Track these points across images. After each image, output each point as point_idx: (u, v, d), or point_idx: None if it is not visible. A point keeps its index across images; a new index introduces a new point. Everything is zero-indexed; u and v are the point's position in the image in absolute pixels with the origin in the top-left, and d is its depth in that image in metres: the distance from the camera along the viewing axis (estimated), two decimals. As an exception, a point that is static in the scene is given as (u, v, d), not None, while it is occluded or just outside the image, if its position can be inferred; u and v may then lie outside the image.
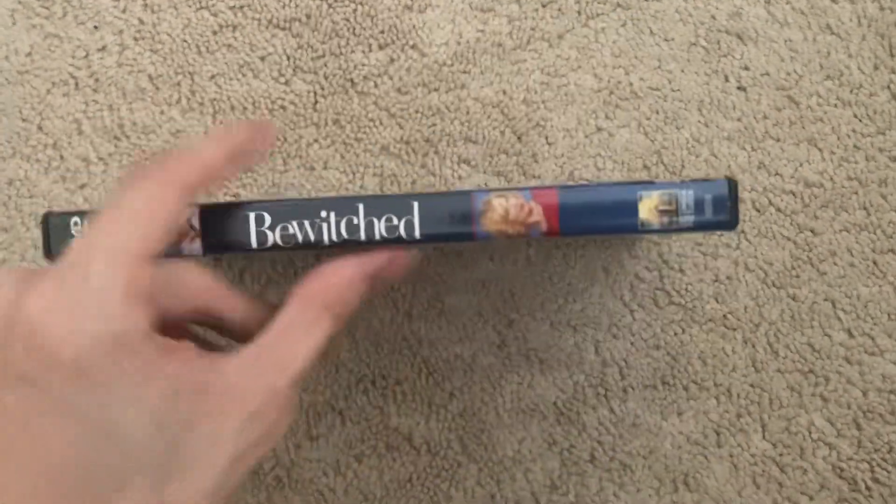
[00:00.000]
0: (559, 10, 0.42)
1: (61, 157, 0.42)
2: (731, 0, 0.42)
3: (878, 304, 0.39)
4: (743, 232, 0.39)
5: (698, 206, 0.25)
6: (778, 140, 0.40)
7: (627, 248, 0.40)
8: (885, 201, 0.39)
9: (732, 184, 0.25)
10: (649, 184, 0.25)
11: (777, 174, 0.40)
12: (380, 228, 0.25)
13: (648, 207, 0.25)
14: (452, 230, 0.25)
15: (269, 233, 0.25)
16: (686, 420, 0.38)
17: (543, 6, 0.42)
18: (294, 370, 0.23)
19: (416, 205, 0.25)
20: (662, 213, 0.25)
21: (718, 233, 0.24)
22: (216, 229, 0.26)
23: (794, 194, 0.40)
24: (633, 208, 0.25)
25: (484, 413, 0.38)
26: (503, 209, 0.25)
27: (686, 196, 0.25)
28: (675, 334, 0.39)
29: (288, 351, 0.23)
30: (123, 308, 0.21)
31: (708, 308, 0.39)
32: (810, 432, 0.37)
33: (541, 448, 0.38)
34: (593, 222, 0.25)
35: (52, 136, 0.42)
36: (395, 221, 0.25)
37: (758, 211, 0.40)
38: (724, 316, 0.39)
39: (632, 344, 0.39)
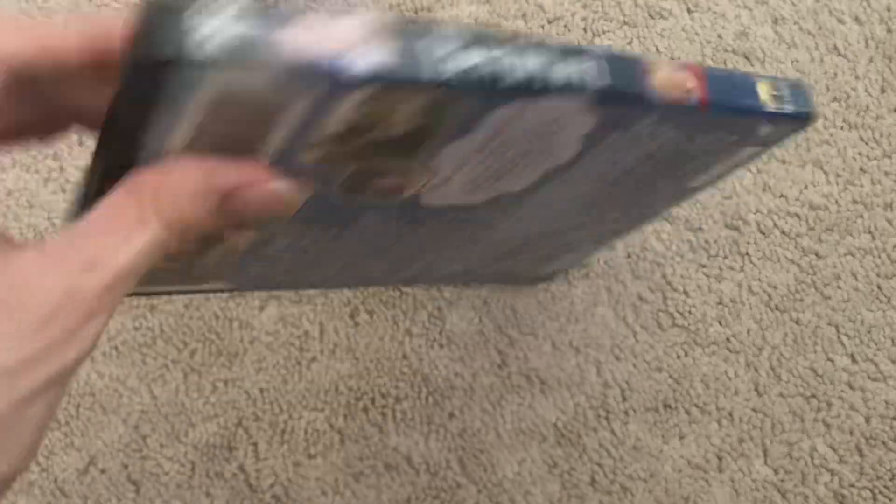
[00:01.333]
0: (565, 26, 0.42)
1: (61, 168, 0.42)
2: (739, 19, 0.42)
3: (881, 329, 0.38)
4: (747, 255, 0.39)
5: (794, 96, 0.28)
6: (783, 162, 0.40)
7: (631, 268, 0.39)
8: (890, 225, 0.39)
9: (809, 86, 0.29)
10: (755, 74, 0.28)
11: (782, 196, 0.40)
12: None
13: (764, 90, 0.27)
14: (625, 87, 0.24)
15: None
16: (687, 444, 0.38)
17: (549, 23, 0.42)
18: (107, 272, 0.18)
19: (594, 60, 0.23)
20: (774, 97, 0.27)
21: (800, 131, 0.28)
22: None
23: (798, 217, 0.40)
24: (754, 91, 0.27)
25: (484, 433, 0.38)
26: (667, 69, 0.25)
27: (785, 86, 0.28)
28: (678, 357, 0.38)
29: (101, 249, 0.18)
30: None
31: (711, 331, 0.39)
32: (812, 458, 0.37)
33: (541, 470, 0.38)
34: (730, 99, 0.26)
35: (51, 146, 0.42)
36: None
37: (762, 233, 0.39)
38: (728, 339, 0.38)
39: (634, 366, 0.38)
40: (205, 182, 0.20)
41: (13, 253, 0.18)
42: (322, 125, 0.20)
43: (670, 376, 0.38)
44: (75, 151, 0.42)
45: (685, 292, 0.39)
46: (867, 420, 0.37)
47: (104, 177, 0.20)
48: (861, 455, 0.37)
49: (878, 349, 0.38)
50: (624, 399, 0.38)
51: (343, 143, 0.22)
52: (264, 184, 0.20)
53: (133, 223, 0.19)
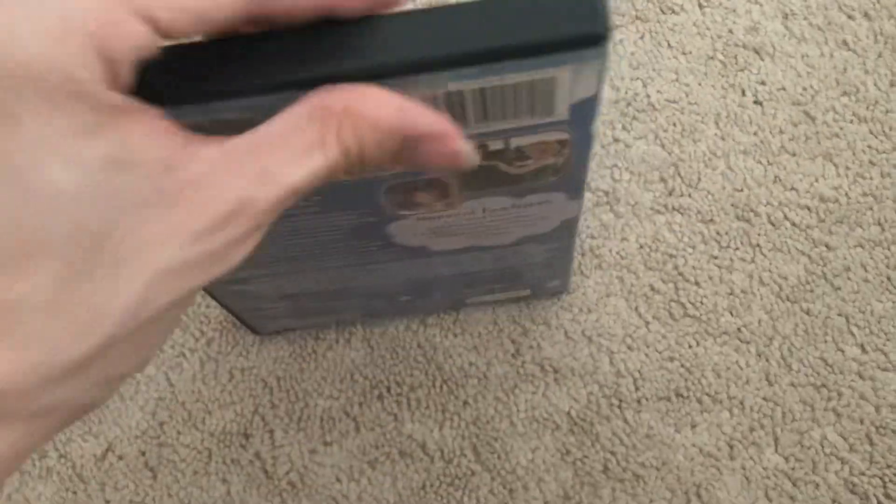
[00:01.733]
0: (578, 21, 0.42)
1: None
2: (749, 15, 0.42)
3: (891, 319, 0.39)
4: (758, 246, 0.40)
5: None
6: (794, 155, 0.41)
7: (644, 259, 0.40)
8: (899, 218, 0.40)
9: None
10: None
11: (793, 189, 0.40)
12: None
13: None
14: None
15: None
16: (699, 432, 0.38)
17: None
18: (279, 187, 0.17)
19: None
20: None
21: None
22: None
23: (809, 209, 0.40)
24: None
25: (498, 422, 0.39)
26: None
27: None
28: (690, 347, 0.39)
29: (278, 163, 0.17)
30: (72, 40, 0.15)
31: (722, 321, 0.39)
32: (823, 447, 0.38)
33: (554, 458, 0.38)
34: None
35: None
36: None
37: (773, 225, 0.40)
38: (739, 329, 0.39)
39: (646, 356, 0.39)
40: (397, 121, 0.18)
41: (195, 147, 0.17)
42: None
43: (682, 366, 0.39)
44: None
45: (697, 283, 0.39)
46: (877, 409, 0.38)
47: None
48: (871, 444, 0.37)
49: (888, 339, 0.38)
50: (636, 388, 0.39)
51: None
52: (451, 140, 0.19)
53: (313, 144, 0.18)
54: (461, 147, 0.19)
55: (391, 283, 0.35)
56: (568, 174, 0.26)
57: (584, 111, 0.23)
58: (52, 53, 0.15)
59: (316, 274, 0.33)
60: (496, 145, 0.24)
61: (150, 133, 0.16)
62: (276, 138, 0.17)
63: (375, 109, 0.18)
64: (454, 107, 0.21)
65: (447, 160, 0.19)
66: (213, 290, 0.33)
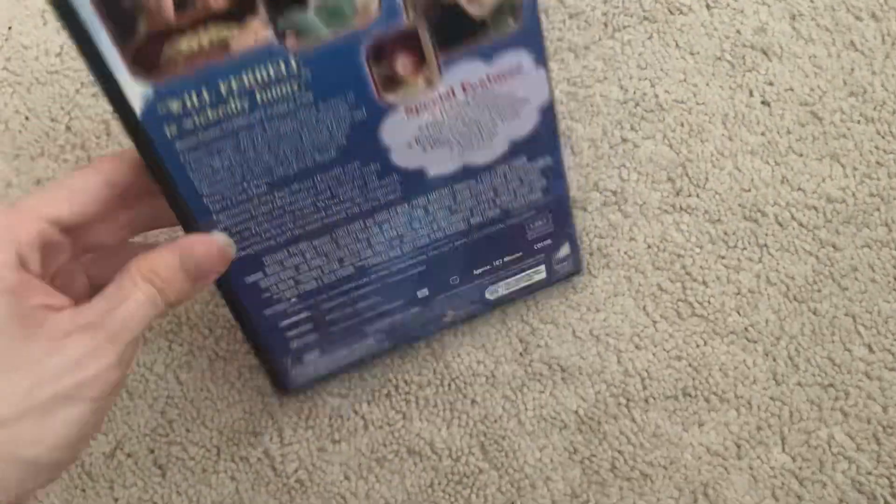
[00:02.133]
0: (586, 21, 0.43)
1: (89, 157, 0.42)
2: (757, 15, 0.42)
3: (898, 319, 0.39)
4: (765, 246, 0.40)
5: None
6: (801, 155, 0.41)
7: (651, 259, 0.40)
8: (906, 218, 0.40)
9: None
10: None
11: (800, 189, 0.40)
12: None
13: None
14: None
15: None
16: (707, 431, 0.38)
17: (570, 17, 0.43)
18: (111, 327, 0.26)
19: None
20: None
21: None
22: None
23: (816, 209, 0.40)
24: None
25: (505, 420, 0.39)
26: None
27: None
28: (697, 346, 0.39)
29: (107, 314, 0.26)
30: None
31: (730, 321, 0.39)
32: (830, 446, 0.38)
33: (562, 457, 0.38)
34: None
35: (80, 136, 0.42)
36: None
37: (780, 225, 0.40)
38: (746, 329, 0.39)
39: (654, 355, 0.39)
40: (176, 261, 0.27)
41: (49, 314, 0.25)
42: None
43: (689, 365, 0.39)
44: (103, 141, 0.42)
45: (704, 283, 0.40)
46: (884, 409, 0.38)
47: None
48: (878, 443, 0.38)
49: (895, 340, 0.39)
50: (644, 387, 0.39)
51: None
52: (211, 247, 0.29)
53: (126, 291, 0.26)
54: (215, 240, 0.29)
55: (405, 258, 0.35)
56: (526, 21, 0.30)
57: None
58: None
59: (327, 244, 0.33)
60: None
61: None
62: (107, 297, 0.26)
63: (161, 257, 0.27)
64: None
65: (216, 261, 0.29)
66: (237, 303, 0.33)
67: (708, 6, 0.43)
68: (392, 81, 0.30)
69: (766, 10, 0.42)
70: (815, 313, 0.39)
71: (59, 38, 0.44)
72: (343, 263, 0.34)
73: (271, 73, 0.28)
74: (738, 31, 0.42)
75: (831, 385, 0.38)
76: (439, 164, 0.33)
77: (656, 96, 0.41)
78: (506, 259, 0.37)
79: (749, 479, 0.38)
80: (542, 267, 0.38)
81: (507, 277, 0.38)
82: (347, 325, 0.36)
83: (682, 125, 0.41)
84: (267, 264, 0.32)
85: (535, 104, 0.33)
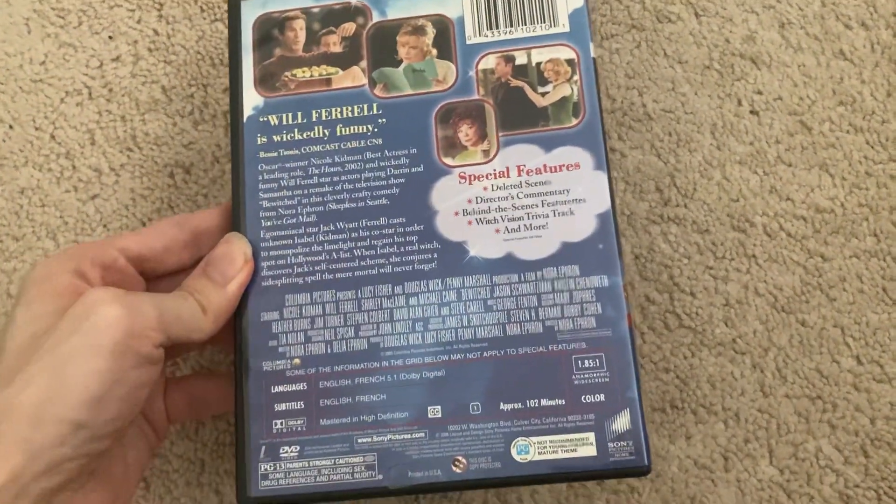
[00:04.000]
0: (574, 30, 0.42)
1: (73, 166, 0.42)
2: (746, 24, 0.42)
3: (886, 331, 0.39)
4: (753, 257, 0.40)
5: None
6: (790, 165, 0.41)
7: (639, 270, 0.40)
8: (895, 228, 0.40)
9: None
10: None
11: (788, 199, 0.40)
12: None
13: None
14: None
15: None
16: (694, 444, 0.38)
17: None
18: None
19: None
20: None
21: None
22: None
23: (805, 219, 0.40)
24: None
25: (492, 432, 0.38)
26: None
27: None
28: (685, 357, 0.39)
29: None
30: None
31: (718, 332, 0.39)
32: (818, 459, 0.37)
33: (548, 469, 0.38)
34: None
35: (64, 145, 0.42)
36: None
37: (769, 236, 0.40)
38: (734, 340, 0.39)
39: (641, 366, 0.39)
40: (199, 269, 0.32)
41: None
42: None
43: (677, 377, 0.39)
44: (87, 150, 0.42)
45: (692, 293, 0.39)
46: (872, 421, 0.38)
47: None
48: (866, 456, 0.37)
49: (884, 351, 0.38)
50: (631, 399, 0.38)
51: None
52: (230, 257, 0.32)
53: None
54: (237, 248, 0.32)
55: (424, 352, 0.31)
56: (586, 121, 0.32)
57: (580, 21, 0.34)
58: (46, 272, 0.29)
59: (350, 302, 0.32)
60: (521, 59, 0.34)
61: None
62: None
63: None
64: (490, 6, 0.34)
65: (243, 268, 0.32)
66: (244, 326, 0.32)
67: (696, 14, 0.42)
68: (453, 146, 0.33)
69: (755, 19, 0.42)
70: (803, 324, 0.39)
71: (43, 46, 0.43)
72: (358, 334, 0.31)
73: (355, 112, 0.33)
74: (727, 40, 0.42)
75: (819, 397, 0.38)
76: (482, 244, 0.32)
77: (644, 105, 0.41)
78: (543, 402, 0.30)
79: (736, 492, 0.37)
80: (591, 436, 0.30)
81: (542, 433, 0.30)
82: (339, 424, 0.31)
83: (671, 135, 0.41)
84: (287, 304, 0.32)
85: (592, 209, 0.32)
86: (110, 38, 0.43)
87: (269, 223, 0.33)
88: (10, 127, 0.42)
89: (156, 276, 0.33)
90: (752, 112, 0.41)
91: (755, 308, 0.39)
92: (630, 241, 0.40)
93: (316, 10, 0.35)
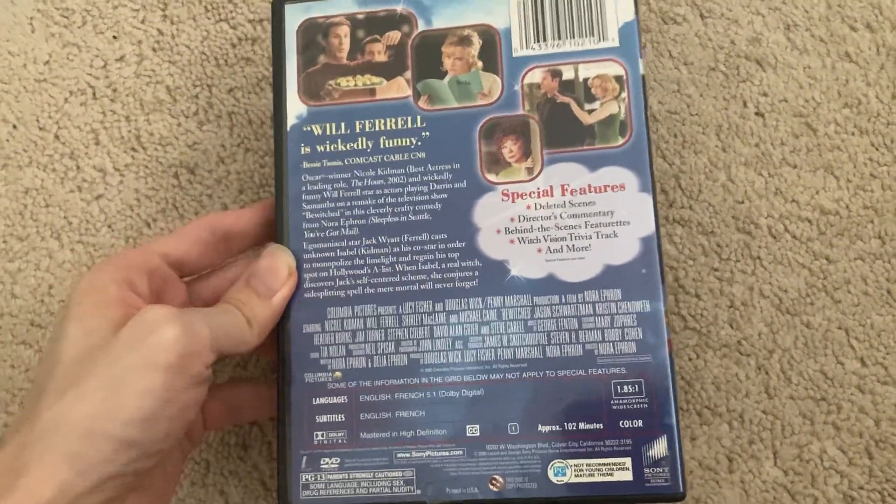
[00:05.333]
0: (579, 31, 0.42)
1: (78, 167, 0.42)
2: (751, 26, 0.42)
3: (891, 333, 0.39)
4: (758, 258, 0.40)
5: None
6: (795, 167, 0.41)
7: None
8: (900, 231, 0.40)
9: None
10: None
11: (793, 201, 0.40)
12: None
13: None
14: None
15: None
16: (699, 445, 0.38)
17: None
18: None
19: None
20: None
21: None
22: None
23: (810, 221, 0.40)
24: None
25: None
26: None
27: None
28: (690, 359, 0.39)
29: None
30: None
31: (722, 334, 0.39)
32: (822, 460, 0.38)
33: (553, 470, 0.38)
34: None
35: (69, 145, 0.42)
36: None
37: (774, 238, 0.40)
38: (739, 342, 0.39)
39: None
40: (242, 282, 0.32)
41: None
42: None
43: (682, 378, 0.39)
44: (91, 150, 0.42)
45: (697, 295, 0.39)
46: (877, 423, 0.38)
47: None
48: (870, 458, 0.37)
49: (888, 353, 0.38)
50: (636, 401, 0.38)
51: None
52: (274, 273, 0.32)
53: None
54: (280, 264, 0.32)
55: (464, 370, 0.31)
56: (633, 140, 0.32)
57: (630, 36, 0.33)
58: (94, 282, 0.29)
59: (391, 317, 0.32)
60: (568, 73, 0.33)
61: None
62: None
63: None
64: (538, 18, 0.33)
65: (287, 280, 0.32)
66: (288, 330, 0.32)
67: (702, 16, 0.42)
68: (496, 162, 0.32)
69: (761, 21, 0.42)
70: (807, 326, 0.39)
71: (47, 45, 0.43)
72: (399, 349, 0.31)
73: (399, 124, 0.33)
74: (733, 42, 0.42)
75: (823, 399, 0.38)
76: (524, 264, 0.31)
77: (650, 107, 0.41)
78: (581, 426, 0.30)
79: (741, 494, 0.37)
80: (628, 461, 0.30)
81: (579, 456, 0.30)
82: (379, 438, 0.31)
83: (676, 136, 0.41)
84: (329, 317, 0.32)
85: (636, 232, 0.31)
86: (114, 37, 0.43)
87: (311, 235, 0.32)
88: (14, 127, 0.42)
89: (187, 276, 0.33)
90: (757, 114, 0.41)
91: (760, 310, 0.39)
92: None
93: (361, 16, 0.34)
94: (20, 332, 0.40)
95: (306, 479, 0.31)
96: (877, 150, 0.41)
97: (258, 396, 0.35)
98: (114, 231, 0.41)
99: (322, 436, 0.31)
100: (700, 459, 0.38)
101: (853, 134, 0.41)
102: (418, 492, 0.30)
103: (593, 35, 0.33)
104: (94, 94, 0.43)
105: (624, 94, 0.32)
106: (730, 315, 0.39)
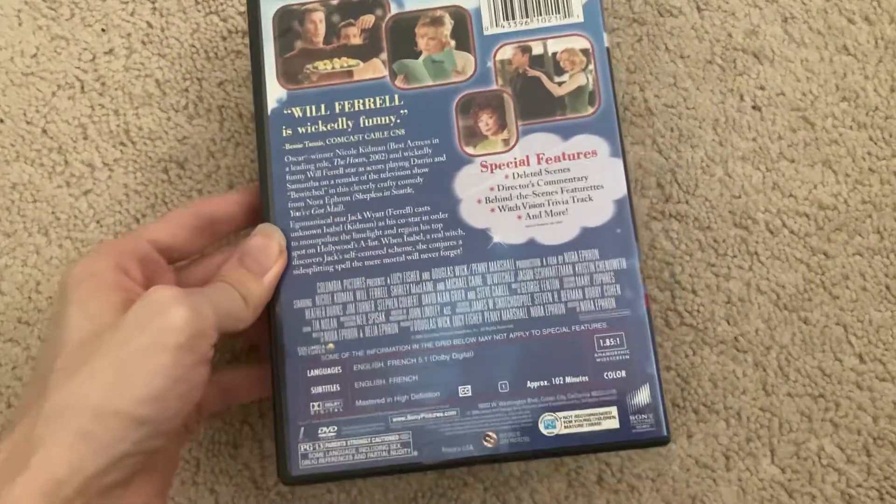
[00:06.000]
0: (574, 24, 0.42)
1: (66, 161, 0.41)
2: (748, 18, 0.42)
3: (889, 329, 0.38)
4: (756, 254, 0.39)
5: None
6: (792, 161, 0.40)
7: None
8: (899, 225, 0.39)
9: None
10: None
11: (791, 196, 0.40)
12: None
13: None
14: None
15: None
16: (695, 443, 0.38)
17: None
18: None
19: None
20: None
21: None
22: None
23: (807, 216, 0.39)
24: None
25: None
26: None
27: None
28: (686, 356, 0.38)
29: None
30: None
31: (719, 330, 0.38)
32: (820, 458, 0.37)
33: (548, 469, 0.37)
34: None
35: (56, 139, 0.41)
36: None
37: (771, 233, 0.39)
38: (736, 338, 0.38)
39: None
40: (235, 261, 0.32)
41: None
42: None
43: (678, 375, 0.38)
44: (80, 144, 0.41)
45: (694, 291, 0.39)
46: (875, 420, 0.37)
47: None
48: (869, 455, 0.37)
49: (887, 349, 0.38)
50: (632, 398, 0.38)
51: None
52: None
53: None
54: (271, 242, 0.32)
55: (453, 334, 0.32)
56: (602, 109, 0.33)
57: (594, 12, 0.35)
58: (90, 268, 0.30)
59: (380, 289, 0.33)
60: (537, 49, 0.34)
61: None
62: None
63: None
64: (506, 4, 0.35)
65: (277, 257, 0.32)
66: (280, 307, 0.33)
67: (699, 8, 0.42)
68: (473, 135, 0.34)
69: (758, 13, 0.42)
70: (805, 322, 0.38)
71: (34, 38, 0.42)
72: (389, 318, 0.32)
73: (377, 103, 0.34)
74: (730, 35, 0.41)
75: (822, 396, 0.38)
76: (505, 231, 0.33)
77: (646, 101, 0.41)
78: (567, 379, 0.32)
79: (738, 491, 0.37)
80: (614, 410, 0.31)
81: (567, 409, 0.31)
82: (374, 405, 0.32)
83: (672, 130, 0.40)
84: (319, 292, 0.33)
85: (609, 195, 0.33)
86: (103, 30, 0.43)
87: (297, 214, 0.33)
88: (1, 121, 0.42)
89: (175, 261, 0.34)
90: (754, 107, 0.41)
91: (757, 306, 0.39)
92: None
93: (335, 2, 0.35)
94: (7, 330, 0.39)
95: (304, 450, 0.32)
96: (875, 144, 0.40)
97: (252, 377, 0.35)
98: (102, 227, 0.40)
99: (318, 406, 0.32)
100: (697, 457, 0.37)
101: (851, 128, 0.40)
102: (415, 453, 0.31)
103: (559, 12, 0.35)
104: (82, 87, 0.42)
105: (591, 67, 0.34)
106: (727, 311, 0.39)
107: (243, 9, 0.42)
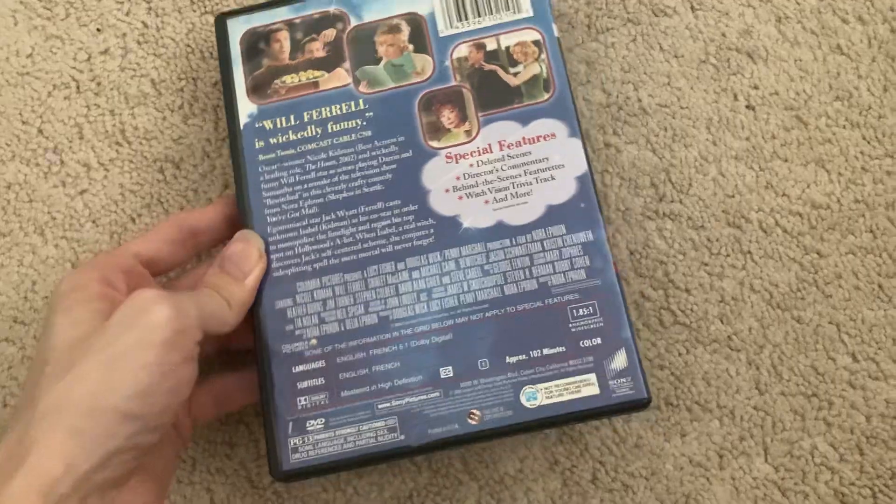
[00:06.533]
0: (569, 23, 0.42)
1: (61, 161, 0.41)
2: (742, 18, 0.42)
3: (882, 328, 0.38)
4: (749, 253, 0.39)
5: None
6: (786, 160, 0.40)
7: (634, 266, 0.39)
8: (891, 224, 0.39)
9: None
10: None
11: (784, 195, 0.40)
12: None
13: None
14: None
15: None
16: (689, 442, 0.38)
17: (553, 19, 0.42)
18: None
19: None
20: None
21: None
22: None
23: (800, 215, 0.40)
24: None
25: (485, 430, 0.38)
26: None
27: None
28: (680, 354, 0.38)
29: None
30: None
31: (713, 329, 0.39)
32: (813, 456, 0.37)
33: (542, 467, 0.38)
34: None
35: (52, 139, 0.41)
36: None
37: (764, 232, 0.39)
38: (729, 337, 0.38)
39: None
40: (215, 267, 0.34)
41: None
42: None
43: (672, 374, 0.38)
44: (76, 145, 0.41)
45: (687, 290, 0.39)
46: (868, 419, 0.37)
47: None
48: (861, 454, 0.37)
49: (879, 348, 0.38)
50: (626, 397, 0.38)
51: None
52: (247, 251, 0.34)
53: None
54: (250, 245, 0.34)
55: (431, 318, 0.33)
56: (557, 94, 0.35)
57: (542, 5, 0.37)
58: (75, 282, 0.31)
59: (357, 282, 0.34)
60: (491, 45, 0.36)
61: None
62: None
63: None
64: (458, 0, 0.37)
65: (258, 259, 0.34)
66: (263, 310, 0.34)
67: (693, 8, 0.42)
68: (437, 130, 0.35)
69: (752, 13, 0.42)
70: (798, 321, 0.39)
71: (30, 38, 0.43)
72: (368, 310, 0.33)
73: (343, 109, 0.36)
74: (723, 34, 0.42)
75: (815, 394, 0.38)
76: (474, 216, 0.34)
77: (640, 100, 0.41)
78: (545, 351, 0.32)
79: (731, 490, 0.37)
80: (593, 377, 0.32)
81: (547, 380, 0.32)
82: (359, 393, 0.32)
83: (666, 130, 0.41)
84: (299, 291, 0.34)
85: (571, 172, 0.34)
86: (98, 30, 0.43)
87: (274, 218, 0.35)
88: (-3, 121, 0.42)
89: (158, 274, 0.35)
90: (748, 107, 0.41)
91: (750, 305, 0.39)
92: (625, 236, 0.40)
93: (298, 20, 0.37)
94: (3, 329, 0.39)
95: (294, 444, 0.32)
96: (868, 143, 0.40)
97: (244, 382, 0.35)
98: (98, 226, 0.40)
99: (305, 400, 0.33)
100: (690, 456, 0.37)
101: (844, 127, 0.40)
102: (402, 437, 0.32)
103: (509, 9, 0.37)
104: (77, 87, 0.42)
105: (543, 56, 0.36)
106: (720, 310, 0.39)
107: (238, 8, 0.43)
